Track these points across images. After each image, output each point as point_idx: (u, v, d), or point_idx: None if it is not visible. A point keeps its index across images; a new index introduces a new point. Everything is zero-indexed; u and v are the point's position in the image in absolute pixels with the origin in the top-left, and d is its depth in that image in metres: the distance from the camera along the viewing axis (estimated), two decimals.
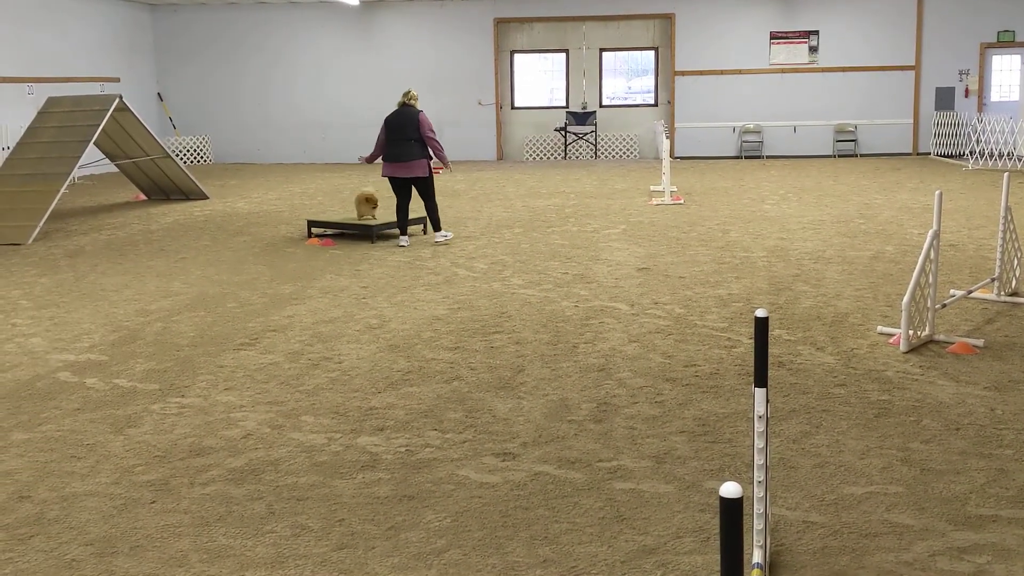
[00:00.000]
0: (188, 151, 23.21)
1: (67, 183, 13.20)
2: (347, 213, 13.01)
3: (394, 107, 11.20)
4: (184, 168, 15.57)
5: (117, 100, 13.95)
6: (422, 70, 22.71)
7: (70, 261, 10.61)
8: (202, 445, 5.05)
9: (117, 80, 21.35)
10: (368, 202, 11.95)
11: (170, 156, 15.34)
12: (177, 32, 23.22)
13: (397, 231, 11.53)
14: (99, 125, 13.51)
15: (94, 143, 13.66)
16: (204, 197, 15.99)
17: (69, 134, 13.58)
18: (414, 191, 11.27)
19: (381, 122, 11.17)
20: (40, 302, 8.61)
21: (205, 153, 23.43)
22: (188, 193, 16.01)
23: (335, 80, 23.12)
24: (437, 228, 11.37)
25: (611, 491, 4.39)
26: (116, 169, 16.47)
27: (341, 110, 23.11)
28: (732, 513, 2.42)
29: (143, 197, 16.37)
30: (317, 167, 22.12)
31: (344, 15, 22.76)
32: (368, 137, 23.20)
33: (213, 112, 23.48)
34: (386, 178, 11.19)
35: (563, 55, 23.23)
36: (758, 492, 3.39)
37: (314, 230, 12.01)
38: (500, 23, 22.79)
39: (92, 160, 15.65)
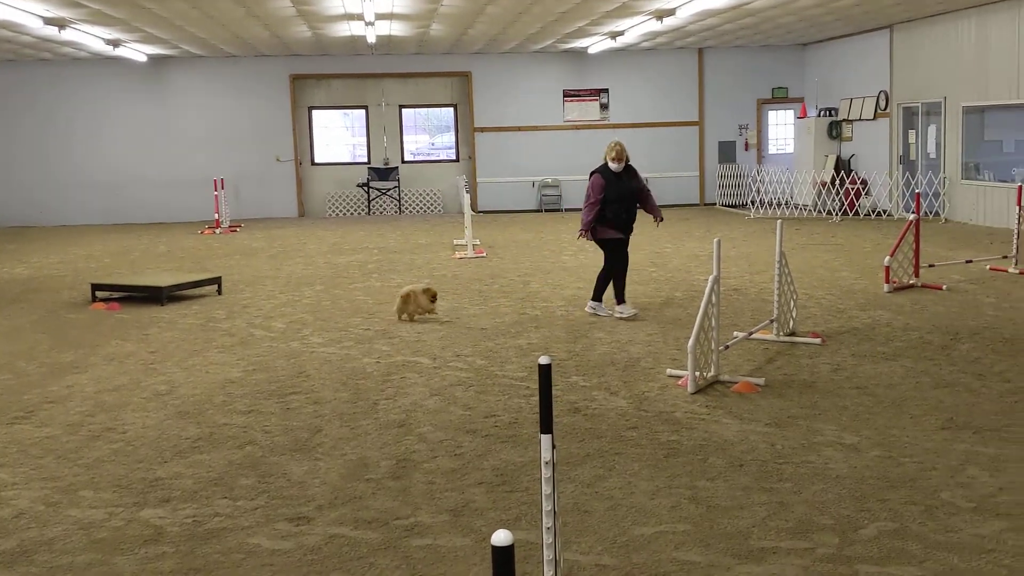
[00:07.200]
0: None
1: None
2: (136, 275, 12.45)
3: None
4: None
5: None
6: (217, 127, 22.19)
7: None
8: None
9: None
10: (406, 300, 9.73)
11: None
12: None
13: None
14: None
15: None
16: None
17: None
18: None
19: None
20: None
21: None
22: None
23: (122, 138, 22.16)
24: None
25: (407, 548, 4.32)
26: None
27: (129, 169, 22.13)
28: (504, 562, 2.41)
29: None
30: (105, 228, 21.12)
31: (131, 71, 21.94)
32: (159, 196, 22.50)
33: None
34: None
35: (363, 111, 23.25)
36: (547, 539, 3.41)
37: (98, 294, 11.42)
38: (297, 79, 22.59)
39: None
